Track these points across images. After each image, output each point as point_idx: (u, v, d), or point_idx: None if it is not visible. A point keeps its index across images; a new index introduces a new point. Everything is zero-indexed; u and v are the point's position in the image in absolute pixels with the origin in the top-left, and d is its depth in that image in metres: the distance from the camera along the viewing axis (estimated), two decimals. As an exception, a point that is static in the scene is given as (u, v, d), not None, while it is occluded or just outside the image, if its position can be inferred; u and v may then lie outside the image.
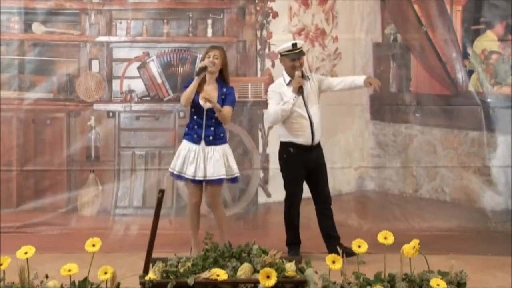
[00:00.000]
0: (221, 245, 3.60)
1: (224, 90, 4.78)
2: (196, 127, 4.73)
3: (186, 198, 5.98)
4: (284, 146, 4.94)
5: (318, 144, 4.94)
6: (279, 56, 4.99)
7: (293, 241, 4.98)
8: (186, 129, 4.82)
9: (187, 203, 5.01)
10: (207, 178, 4.69)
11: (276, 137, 5.99)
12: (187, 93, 4.67)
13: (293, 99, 4.76)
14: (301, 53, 4.88)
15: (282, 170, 5.02)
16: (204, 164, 4.68)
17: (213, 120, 4.73)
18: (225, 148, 4.80)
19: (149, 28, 6.09)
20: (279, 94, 4.86)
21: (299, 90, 4.76)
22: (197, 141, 4.71)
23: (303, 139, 4.86)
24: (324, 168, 5.02)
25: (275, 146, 5.99)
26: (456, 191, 6.07)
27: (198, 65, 4.68)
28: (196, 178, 4.69)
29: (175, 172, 4.78)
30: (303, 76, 4.85)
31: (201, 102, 4.66)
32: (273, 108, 4.85)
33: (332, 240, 4.76)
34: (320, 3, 6.07)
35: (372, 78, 5.04)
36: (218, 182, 4.76)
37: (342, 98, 5.76)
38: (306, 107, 4.86)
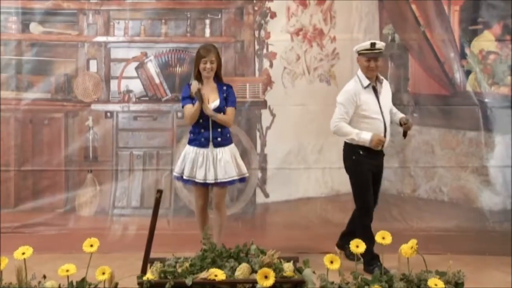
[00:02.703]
0: (218, 245, 3.59)
1: (224, 88, 4.73)
2: (202, 130, 4.64)
3: (184, 198, 5.99)
4: (353, 148, 4.63)
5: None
6: (356, 55, 4.68)
7: (374, 255, 4.50)
8: (191, 134, 4.71)
9: (195, 205, 4.94)
10: (219, 180, 4.62)
11: (274, 137, 6.03)
12: (193, 115, 4.61)
13: (368, 143, 4.52)
14: (379, 54, 4.59)
15: (351, 173, 4.73)
16: (214, 167, 4.61)
17: None
18: (232, 148, 4.75)
19: (147, 28, 6.09)
20: (355, 103, 4.54)
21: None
22: (205, 145, 4.62)
23: None
24: (382, 174, 4.84)
25: (273, 146, 6.03)
26: (454, 191, 6.07)
27: (192, 88, 4.61)
28: (207, 181, 4.62)
29: (184, 177, 4.68)
30: (377, 79, 4.65)
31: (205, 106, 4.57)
32: (345, 127, 4.56)
33: (347, 237, 4.47)
34: (318, 3, 6.07)
35: (409, 120, 4.72)
36: (230, 183, 4.72)
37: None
38: (381, 110, 4.63)
